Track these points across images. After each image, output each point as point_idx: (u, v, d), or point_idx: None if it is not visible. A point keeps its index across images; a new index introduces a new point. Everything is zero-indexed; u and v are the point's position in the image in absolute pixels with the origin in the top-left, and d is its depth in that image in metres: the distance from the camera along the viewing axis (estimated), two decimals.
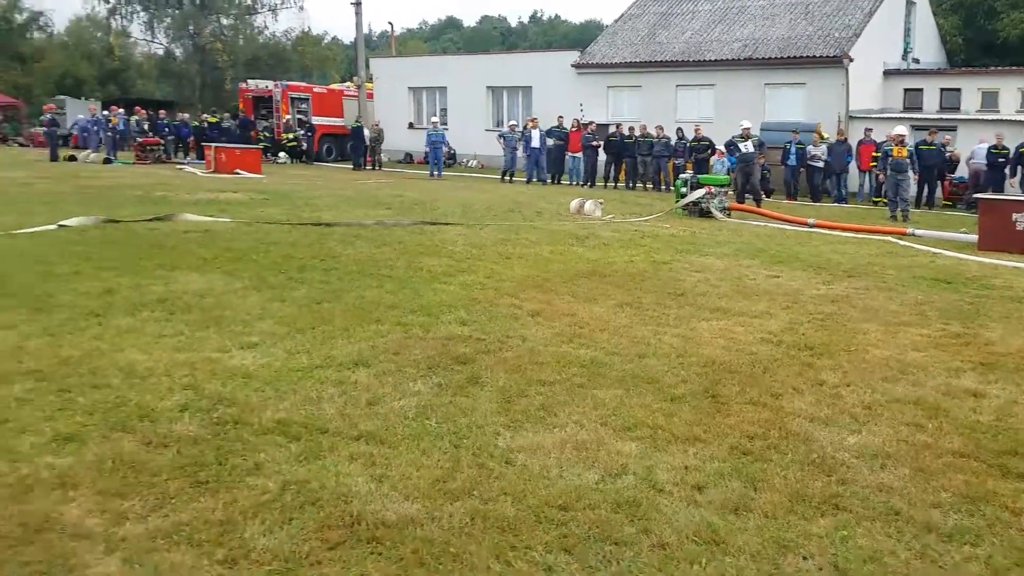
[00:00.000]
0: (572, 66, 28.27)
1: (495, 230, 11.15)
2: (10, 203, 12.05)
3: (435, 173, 24.29)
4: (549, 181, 22.88)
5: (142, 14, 49.87)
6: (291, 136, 29.29)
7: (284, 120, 29.77)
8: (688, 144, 20.50)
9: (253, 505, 2.93)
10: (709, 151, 19.87)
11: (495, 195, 17.58)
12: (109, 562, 2.58)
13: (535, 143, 22.63)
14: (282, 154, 28.85)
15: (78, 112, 34.61)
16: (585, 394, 4.42)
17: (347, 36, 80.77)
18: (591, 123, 23.34)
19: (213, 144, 23.19)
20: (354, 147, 27.51)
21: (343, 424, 3.78)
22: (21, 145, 37.29)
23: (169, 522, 2.81)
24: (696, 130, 20.71)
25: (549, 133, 22.74)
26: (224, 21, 50.47)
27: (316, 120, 30.42)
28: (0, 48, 46.18)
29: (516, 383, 4.53)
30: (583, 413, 4.12)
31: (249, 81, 33.16)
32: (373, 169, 26.73)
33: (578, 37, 73.40)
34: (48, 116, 26.59)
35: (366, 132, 27.27)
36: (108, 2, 48.91)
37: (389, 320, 5.78)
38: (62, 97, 40.26)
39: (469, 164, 30.55)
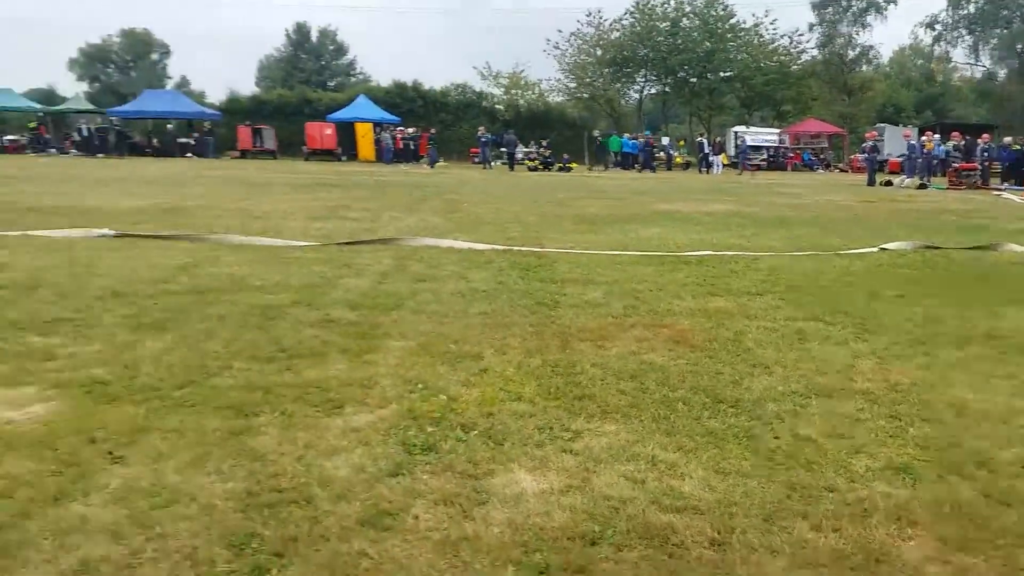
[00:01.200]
0: None
1: None
2: (833, 225, 12.97)
3: None
4: None
5: (967, 38, 48.71)
6: None
7: None
8: None
9: None
10: None
11: None
12: None
13: None
14: None
15: (894, 139, 35.64)
16: None
17: None
18: None
19: None
20: None
21: None
22: (841, 171, 40.34)
23: None
24: None
25: None
26: None
27: None
28: (831, 81, 50.95)
29: None
30: None
31: None
32: None
33: None
34: (869, 143, 28.03)
35: None
36: (934, 29, 49.15)
37: None
38: (881, 125, 42.21)
39: None
